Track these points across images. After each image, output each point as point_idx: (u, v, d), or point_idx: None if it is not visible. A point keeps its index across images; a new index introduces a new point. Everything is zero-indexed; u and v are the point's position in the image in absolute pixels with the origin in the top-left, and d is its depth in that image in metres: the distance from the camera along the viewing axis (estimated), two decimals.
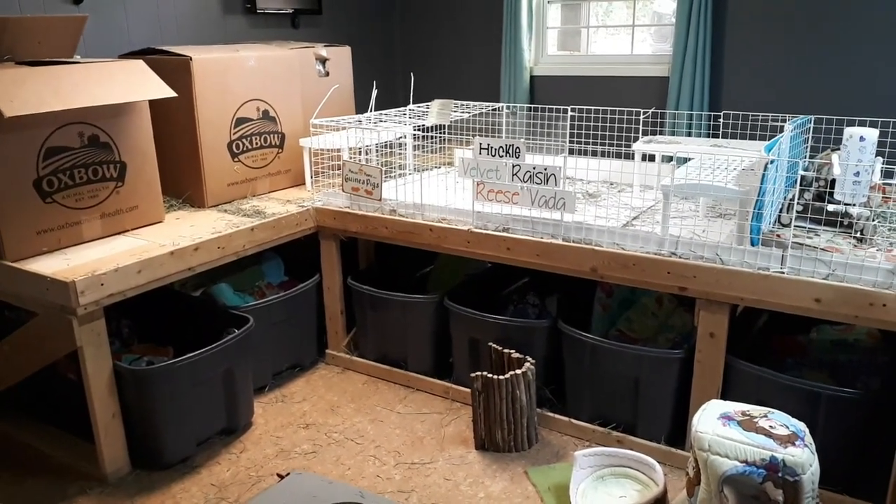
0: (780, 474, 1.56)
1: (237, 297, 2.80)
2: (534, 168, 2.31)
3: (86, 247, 2.30)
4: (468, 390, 2.47)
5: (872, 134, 2.00)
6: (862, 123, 2.27)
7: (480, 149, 2.40)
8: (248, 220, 2.60)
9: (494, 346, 2.44)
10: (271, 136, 2.95)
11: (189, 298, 2.73)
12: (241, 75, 2.78)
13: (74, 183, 2.27)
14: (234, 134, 2.79)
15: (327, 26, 4.01)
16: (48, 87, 2.11)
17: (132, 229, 2.47)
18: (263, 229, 2.60)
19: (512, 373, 2.28)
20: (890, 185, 2.51)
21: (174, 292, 2.69)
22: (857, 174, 1.97)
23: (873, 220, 2.12)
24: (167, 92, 2.39)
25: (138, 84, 2.35)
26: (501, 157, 2.37)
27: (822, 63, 3.29)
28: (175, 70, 2.59)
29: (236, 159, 2.82)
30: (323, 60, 3.13)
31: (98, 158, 2.33)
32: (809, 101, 3.33)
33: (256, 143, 2.89)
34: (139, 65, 2.41)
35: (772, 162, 1.92)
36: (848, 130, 2.04)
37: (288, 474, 1.87)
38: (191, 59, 2.59)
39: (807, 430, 1.67)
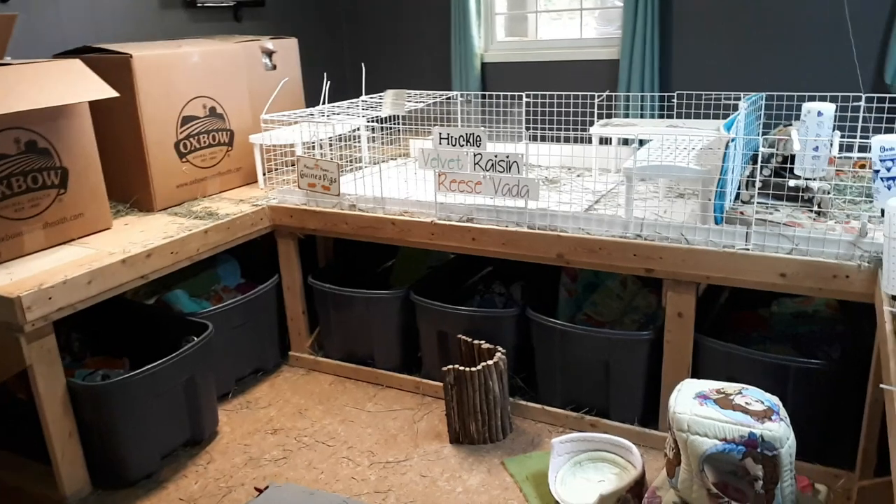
0: (759, 450, 1.57)
1: (193, 302, 2.70)
2: (496, 156, 2.28)
3: (29, 259, 2.18)
4: (439, 384, 2.44)
5: (829, 109, 2.03)
6: (811, 98, 2.31)
7: (440, 138, 2.36)
8: (200, 222, 2.50)
9: (464, 337, 2.41)
10: (219, 133, 2.85)
11: (143, 307, 2.62)
12: (184, 72, 2.66)
13: (13, 192, 2.14)
14: (180, 133, 2.68)
15: (271, 19, 3.89)
16: None
17: (78, 238, 2.34)
18: (217, 231, 2.50)
19: (484, 364, 2.26)
20: (841, 158, 2.57)
21: (126, 301, 2.58)
22: (816, 149, 2.00)
23: (831, 194, 2.17)
24: (108, 92, 2.27)
25: (76, 85, 2.23)
26: (462, 146, 2.33)
27: (770, 40, 3.34)
28: (114, 69, 2.47)
29: (184, 159, 2.71)
30: (269, 53, 3.03)
31: (37, 165, 2.20)
32: (756, 78, 3.39)
33: (205, 142, 2.78)
34: (76, 64, 2.28)
35: (733, 140, 1.93)
36: (806, 106, 2.07)
37: (266, 487, 1.80)
38: (131, 56, 2.46)
39: (781, 404, 1.69)
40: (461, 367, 2.26)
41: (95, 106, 2.33)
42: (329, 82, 2.84)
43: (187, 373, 2.27)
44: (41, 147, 2.20)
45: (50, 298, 1.96)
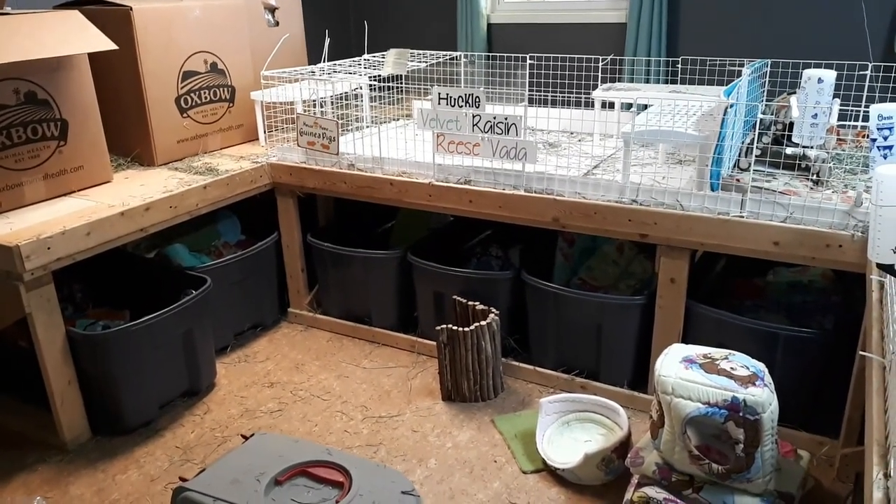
0: (741, 414, 1.59)
1: (193, 257, 2.73)
2: (494, 118, 2.27)
3: (29, 210, 2.20)
4: (433, 343, 2.47)
5: (830, 76, 2.00)
6: (817, 66, 2.28)
7: (439, 99, 2.35)
8: (200, 177, 2.52)
9: (459, 298, 2.43)
10: (221, 89, 2.84)
11: (144, 260, 2.65)
12: (185, 26, 2.65)
13: (12, 143, 2.16)
14: (181, 88, 2.67)
15: None
16: None
17: (78, 190, 2.36)
18: (217, 187, 2.52)
19: (477, 324, 2.28)
20: (844, 126, 2.54)
21: (128, 254, 2.61)
22: (815, 116, 1.98)
23: (829, 163, 2.15)
24: (107, 44, 2.27)
25: (75, 36, 2.22)
26: (461, 107, 2.32)
27: (781, 6, 3.28)
28: (114, 21, 2.46)
29: (185, 115, 2.71)
30: (272, 9, 3.00)
31: (37, 116, 2.21)
32: (766, 44, 3.34)
33: (206, 98, 2.78)
34: (75, 16, 2.27)
35: (731, 106, 1.92)
36: (806, 72, 2.04)
37: (252, 435, 1.84)
38: (131, 9, 2.45)
39: (766, 371, 1.70)
40: (454, 327, 2.28)
41: (96, 59, 2.33)
42: (329, 40, 2.82)
43: (185, 325, 2.31)
44: (41, 98, 2.21)
45: (49, 248, 1.99)
